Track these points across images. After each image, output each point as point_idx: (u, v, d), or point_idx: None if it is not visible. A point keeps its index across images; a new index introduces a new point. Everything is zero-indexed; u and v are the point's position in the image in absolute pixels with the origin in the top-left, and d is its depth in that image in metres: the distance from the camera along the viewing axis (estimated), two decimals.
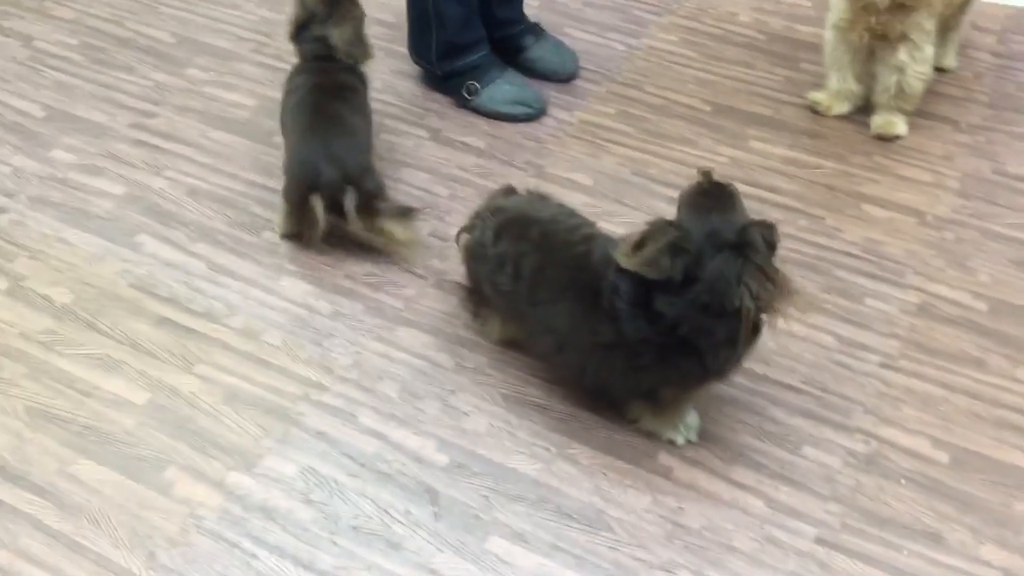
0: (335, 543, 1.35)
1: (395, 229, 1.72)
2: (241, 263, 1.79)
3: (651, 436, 1.50)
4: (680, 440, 1.50)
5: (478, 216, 1.58)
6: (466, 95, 2.18)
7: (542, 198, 1.62)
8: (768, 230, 1.31)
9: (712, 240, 1.28)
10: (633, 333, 1.34)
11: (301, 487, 1.42)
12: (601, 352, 1.39)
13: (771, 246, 1.31)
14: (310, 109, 1.78)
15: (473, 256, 1.55)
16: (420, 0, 2.13)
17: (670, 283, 1.29)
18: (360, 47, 1.93)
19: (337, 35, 1.88)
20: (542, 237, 1.48)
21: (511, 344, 1.63)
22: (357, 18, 1.92)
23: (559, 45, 2.33)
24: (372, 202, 1.71)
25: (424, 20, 2.14)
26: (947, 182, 2.06)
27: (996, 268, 1.84)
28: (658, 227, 1.31)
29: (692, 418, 1.51)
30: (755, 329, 1.33)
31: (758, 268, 1.27)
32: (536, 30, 2.32)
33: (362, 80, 1.92)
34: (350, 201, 1.67)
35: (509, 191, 1.65)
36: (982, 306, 1.76)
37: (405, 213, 1.76)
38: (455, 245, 1.66)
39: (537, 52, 2.30)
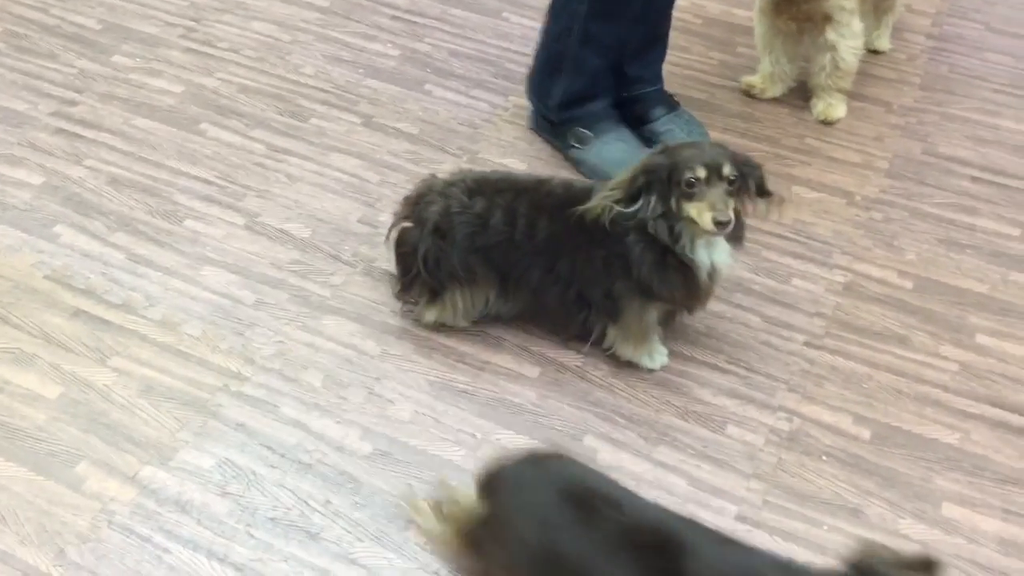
0: (251, 535, 1.33)
1: None
2: (162, 253, 1.75)
3: (577, 424, 1.50)
4: (655, 365, 1.58)
5: (424, 197, 1.56)
6: (574, 143, 1.99)
7: (471, 170, 1.67)
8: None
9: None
10: (618, 223, 1.43)
11: (218, 479, 1.39)
12: (589, 252, 1.49)
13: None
14: None
15: (438, 230, 1.52)
16: (559, 42, 1.93)
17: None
18: None
19: None
20: (517, 184, 1.57)
21: (441, 329, 1.62)
22: None
23: (692, 122, 2.07)
24: None
25: (557, 63, 1.95)
26: (877, 163, 2.07)
27: (923, 247, 1.86)
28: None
29: (661, 349, 1.59)
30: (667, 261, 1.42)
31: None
32: (670, 102, 2.09)
33: None
34: None
35: (434, 176, 1.63)
36: (908, 284, 1.77)
37: None
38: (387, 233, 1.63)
39: (666, 126, 2.04)
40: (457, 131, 2.11)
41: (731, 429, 1.51)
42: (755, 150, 2.08)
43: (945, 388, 1.58)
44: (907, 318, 1.71)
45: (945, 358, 1.64)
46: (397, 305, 1.67)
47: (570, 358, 1.60)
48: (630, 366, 1.58)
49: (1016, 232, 1.90)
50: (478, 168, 1.97)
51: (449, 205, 1.53)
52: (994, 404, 1.56)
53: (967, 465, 1.47)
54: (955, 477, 1.45)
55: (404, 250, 1.57)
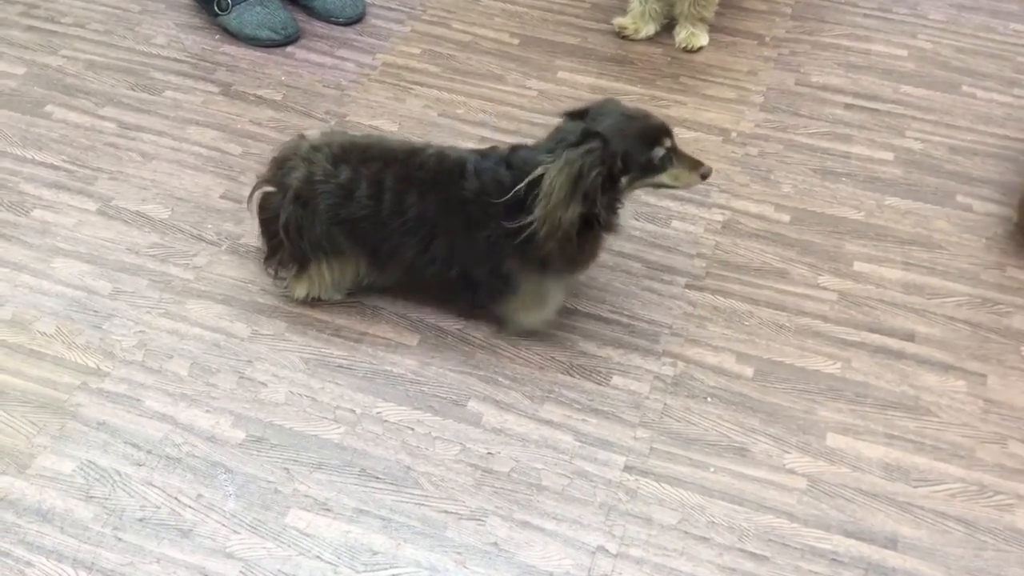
0: (120, 539, 1.25)
1: None
2: (9, 248, 1.63)
3: (460, 389, 1.46)
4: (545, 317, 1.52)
5: (288, 161, 1.47)
6: (217, 9, 2.10)
7: (344, 132, 1.56)
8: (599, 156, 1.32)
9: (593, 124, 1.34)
10: (490, 179, 1.38)
11: (80, 483, 1.31)
12: (464, 210, 1.39)
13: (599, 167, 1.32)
14: None
15: (299, 198, 1.44)
16: None
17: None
18: None
19: None
20: (387, 153, 1.45)
21: (315, 303, 1.56)
22: None
23: None
24: None
25: None
26: (751, 97, 2.06)
27: (798, 179, 1.86)
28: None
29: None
30: (562, 234, 1.33)
31: (568, 167, 1.29)
32: None
33: None
34: None
35: (302, 137, 1.54)
36: (785, 218, 1.77)
37: None
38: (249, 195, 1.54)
39: None
40: (323, 94, 2.02)
41: (616, 379, 1.48)
42: (630, 93, 2.05)
43: (825, 318, 1.59)
44: (785, 251, 1.70)
45: (824, 288, 1.64)
46: (267, 283, 1.59)
47: (450, 322, 1.55)
48: None
49: (889, 156, 1.92)
50: (350, 131, 1.90)
51: (312, 172, 1.44)
52: (872, 330, 1.57)
53: (849, 393, 1.48)
54: (838, 407, 1.46)
55: (267, 216, 1.49)
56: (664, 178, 1.40)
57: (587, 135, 1.33)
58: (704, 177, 1.42)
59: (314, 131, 1.89)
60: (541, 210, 1.31)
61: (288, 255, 1.50)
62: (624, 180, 1.37)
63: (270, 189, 1.49)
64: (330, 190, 1.43)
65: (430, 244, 1.44)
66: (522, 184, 1.33)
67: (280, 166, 1.48)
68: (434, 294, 1.55)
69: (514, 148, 1.43)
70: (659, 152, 1.37)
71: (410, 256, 1.45)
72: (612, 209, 1.39)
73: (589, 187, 1.31)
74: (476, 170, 1.40)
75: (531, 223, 1.33)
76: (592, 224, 1.36)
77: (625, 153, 1.34)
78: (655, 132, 1.38)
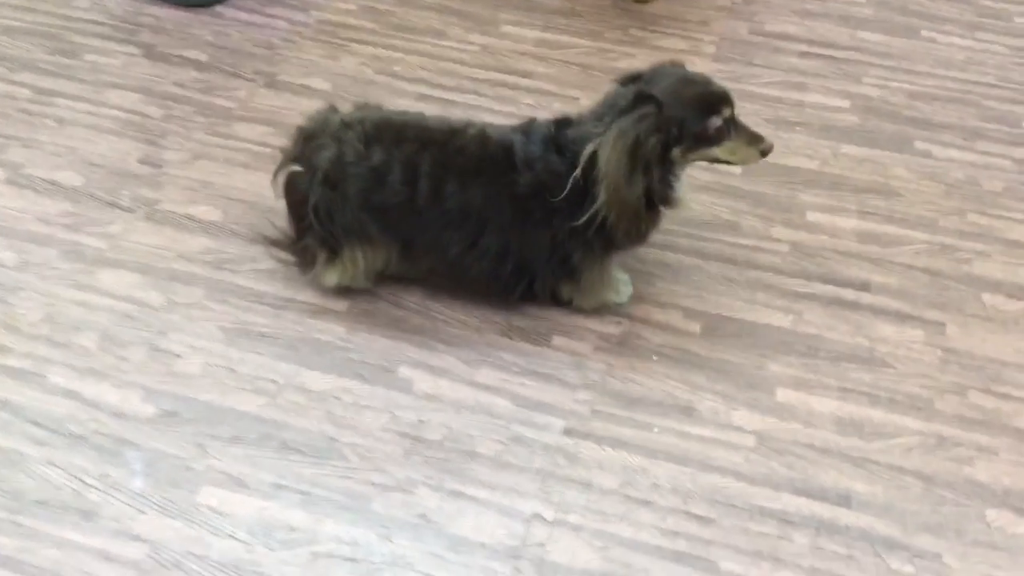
0: (18, 523, 1.16)
1: None
2: None
3: (391, 354, 1.37)
4: (623, 299, 1.43)
5: (317, 138, 1.34)
6: None
7: (379, 107, 1.42)
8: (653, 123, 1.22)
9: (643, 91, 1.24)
10: (545, 170, 1.27)
11: None
12: (521, 207, 1.29)
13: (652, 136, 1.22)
14: None
15: (328, 180, 1.31)
16: None
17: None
18: None
19: None
20: (424, 133, 1.32)
21: (235, 269, 1.46)
22: None
23: None
24: None
25: None
26: (704, 48, 1.97)
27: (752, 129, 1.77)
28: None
29: (623, 278, 1.44)
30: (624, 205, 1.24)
31: (621, 138, 1.20)
32: None
33: None
34: None
35: (333, 109, 1.40)
36: (735, 169, 1.68)
37: None
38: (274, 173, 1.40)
39: None
40: (253, 53, 1.91)
41: (557, 340, 1.40)
42: (577, 47, 1.96)
43: (777, 270, 1.51)
44: (736, 203, 1.62)
45: (776, 240, 1.56)
46: (185, 249, 1.50)
47: (382, 287, 1.46)
48: (447, 288, 1.45)
49: (845, 104, 1.84)
50: (279, 95, 1.80)
51: (343, 152, 1.31)
52: (826, 281, 1.50)
53: (801, 347, 1.40)
54: (789, 361, 1.39)
55: (295, 198, 1.36)
56: (719, 151, 1.28)
57: (640, 99, 1.22)
58: (764, 154, 1.30)
59: (242, 92, 1.80)
60: (605, 192, 1.21)
61: (318, 239, 1.37)
62: (676, 151, 1.25)
63: (297, 168, 1.35)
64: (361, 173, 1.30)
65: (479, 239, 1.32)
66: (577, 171, 1.22)
67: (308, 142, 1.35)
68: (475, 288, 1.43)
69: (559, 123, 1.31)
70: (716, 122, 1.25)
71: (455, 252, 1.34)
72: (666, 182, 1.28)
73: (650, 156, 1.21)
74: (526, 159, 1.28)
75: (598, 211, 1.23)
76: (650, 200, 1.26)
77: (681, 120, 1.23)
78: (714, 99, 1.25)
